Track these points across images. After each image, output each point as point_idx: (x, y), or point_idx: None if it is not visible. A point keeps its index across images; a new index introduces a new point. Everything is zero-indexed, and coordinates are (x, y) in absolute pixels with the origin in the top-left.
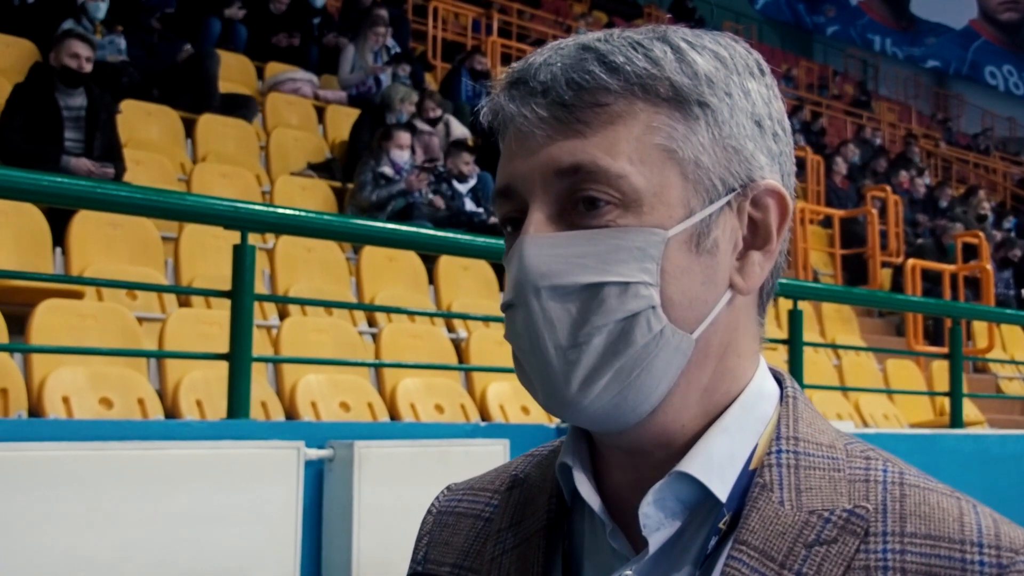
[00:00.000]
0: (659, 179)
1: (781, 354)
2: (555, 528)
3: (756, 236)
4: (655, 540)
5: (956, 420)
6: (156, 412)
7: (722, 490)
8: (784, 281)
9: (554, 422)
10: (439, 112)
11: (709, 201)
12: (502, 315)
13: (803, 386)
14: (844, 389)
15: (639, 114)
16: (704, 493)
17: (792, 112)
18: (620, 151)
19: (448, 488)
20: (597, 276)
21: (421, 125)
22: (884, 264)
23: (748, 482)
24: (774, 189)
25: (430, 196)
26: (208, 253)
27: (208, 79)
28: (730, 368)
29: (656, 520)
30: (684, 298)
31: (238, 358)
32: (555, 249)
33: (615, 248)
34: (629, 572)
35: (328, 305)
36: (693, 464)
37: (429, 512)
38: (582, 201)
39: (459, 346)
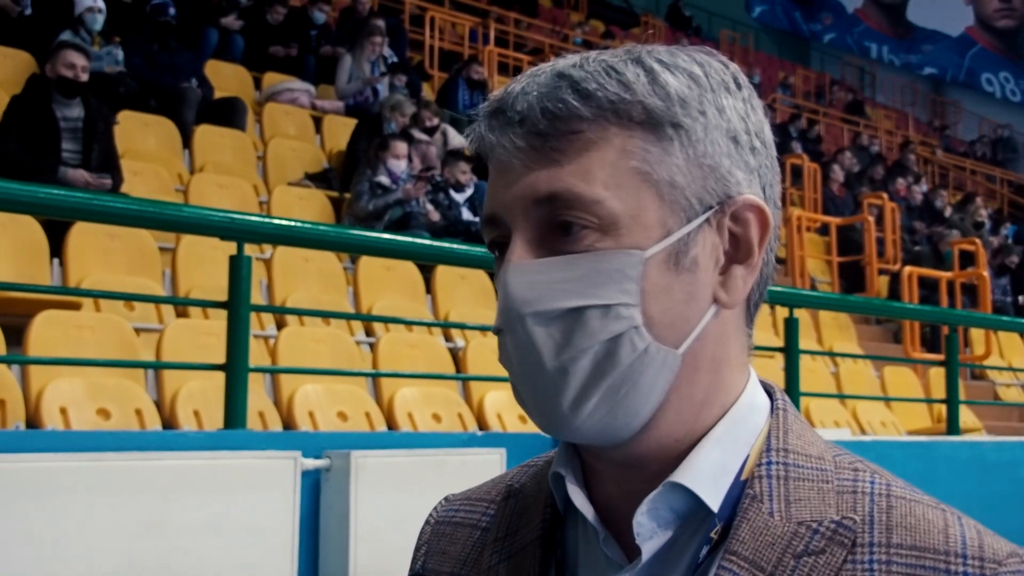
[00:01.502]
0: (635, 202)
1: (778, 362)
2: (550, 537)
3: (738, 251)
4: (648, 549)
5: (953, 427)
6: (154, 423)
7: (714, 500)
8: (781, 289)
9: None
10: (436, 121)
11: (686, 220)
12: None
13: (800, 394)
14: (841, 397)
15: (613, 139)
16: (696, 503)
17: (790, 120)
18: (595, 177)
19: (446, 499)
20: (578, 300)
21: (418, 135)
22: (881, 271)
23: (739, 492)
24: (753, 204)
25: (427, 206)
26: (205, 264)
27: (186, 116)
28: (724, 380)
29: (649, 529)
30: (666, 316)
31: (235, 369)
32: (536, 276)
33: (594, 271)
34: None
35: (325, 315)
36: (686, 475)
37: (427, 522)
38: (561, 227)
39: (456, 355)
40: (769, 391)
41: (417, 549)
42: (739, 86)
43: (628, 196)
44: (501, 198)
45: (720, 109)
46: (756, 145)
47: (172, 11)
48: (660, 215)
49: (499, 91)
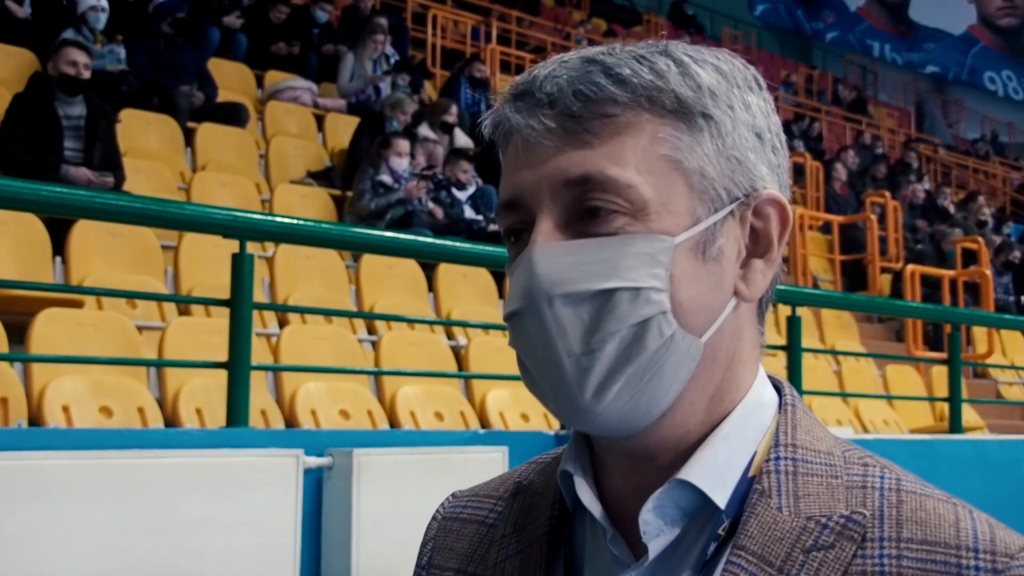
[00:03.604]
0: (666, 188)
1: (780, 360)
2: (557, 534)
3: (758, 244)
4: (655, 547)
5: (955, 426)
6: (156, 421)
7: (721, 497)
8: (783, 287)
9: (553, 429)
10: (456, 117)
11: (714, 210)
12: (502, 322)
13: (802, 392)
14: (844, 395)
15: (645, 125)
16: (703, 500)
17: (793, 119)
18: (627, 161)
19: (453, 495)
20: (608, 282)
21: (425, 133)
22: (883, 270)
23: (747, 489)
24: (775, 199)
25: (429, 204)
26: (208, 262)
27: (180, 113)
28: (737, 375)
29: (656, 527)
30: (694, 304)
31: (237, 366)
32: (565, 257)
33: (624, 254)
34: None
35: (327, 313)
36: (693, 472)
37: (434, 518)
38: (590, 210)
39: (458, 354)
40: (778, 386)
41: (424, 544)
42: (760, 86)
43: (659, 183)
44: (525, 180)
45: (746, 105)
46: (776, 145)
47: (180, 12)
48: (689, 203)
49: (522, 75)
